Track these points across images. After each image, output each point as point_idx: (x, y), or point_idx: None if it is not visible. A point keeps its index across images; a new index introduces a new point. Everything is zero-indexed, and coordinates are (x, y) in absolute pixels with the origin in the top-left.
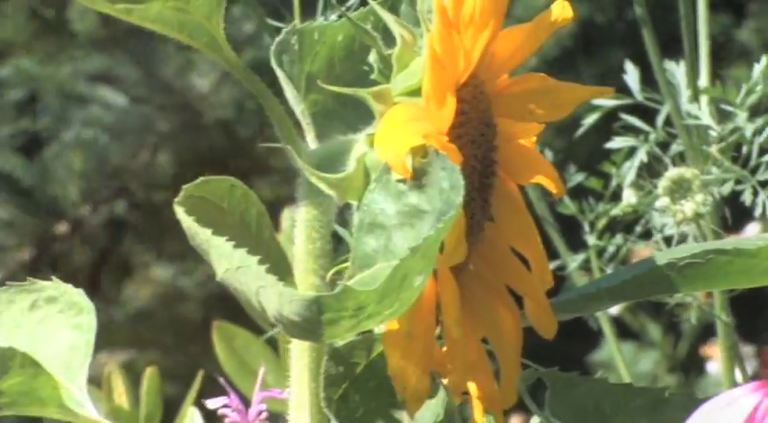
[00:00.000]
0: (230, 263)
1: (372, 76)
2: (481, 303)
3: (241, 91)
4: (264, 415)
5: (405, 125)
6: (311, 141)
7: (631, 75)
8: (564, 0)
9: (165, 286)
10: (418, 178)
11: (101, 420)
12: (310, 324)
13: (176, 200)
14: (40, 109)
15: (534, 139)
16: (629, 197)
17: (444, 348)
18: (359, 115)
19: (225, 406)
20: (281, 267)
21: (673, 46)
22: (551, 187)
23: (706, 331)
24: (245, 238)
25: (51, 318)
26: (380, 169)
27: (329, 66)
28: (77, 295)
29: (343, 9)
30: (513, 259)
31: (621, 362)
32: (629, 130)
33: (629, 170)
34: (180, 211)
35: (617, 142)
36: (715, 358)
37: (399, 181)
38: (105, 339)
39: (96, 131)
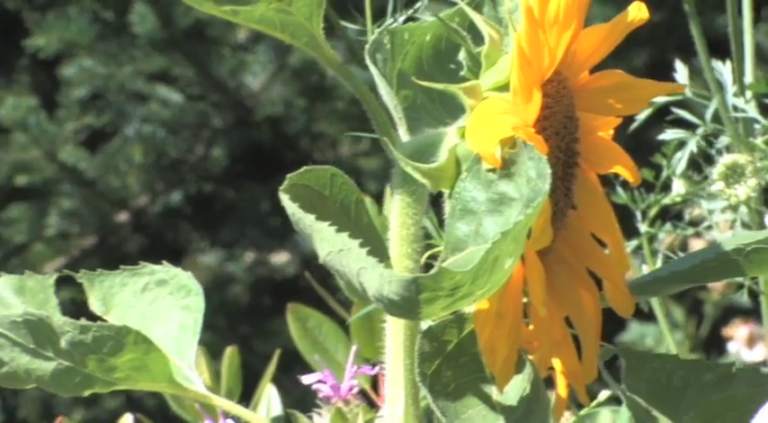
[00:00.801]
0: (332, 246)
1: (461, 73)
2: (564, 285)
3: (289, 90)
4: (356, 390)
5: (494, 118)
6: (403, 134)
7: (681, 72)
8: (640, 1)
9: (214, 272)
10: (507, 168)
11: (209, 395)
12: (409, 303)
13: (281, 188)
14: (102, 106)
15: (611, 131)
16: (679, 187)
17: (531, 327)
18: (446, 109)
19: (319, 381)
20: (378, 251)
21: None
22: (628, 176)
23: (726, 314)
24: (344, 224)
25: (162, 299)
26: (471, 159)
27: (418, 64)
28: (186, 278)
29: (422, 10)
30: (593, 244)
31: (670, 341)
32: (677, 124)
33: (680, 161)
34: (285, 198)
35: (669, 134)
36: (735, 339)
37: (489, 170)
38: None
39: (155, 127)
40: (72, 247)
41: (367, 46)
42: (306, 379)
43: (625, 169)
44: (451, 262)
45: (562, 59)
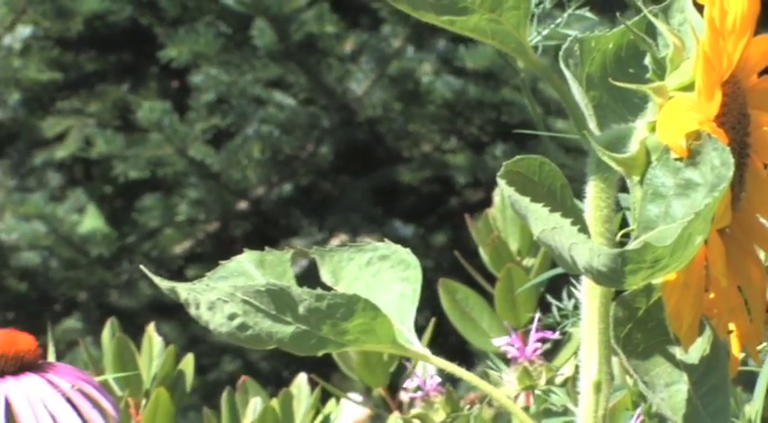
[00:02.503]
0: (546, 224)
1: (648, 75)
2: (736, 259)
3: (387, 95)
4: (539, 352)
5: (681, 114)
6: (594, 128)
7: None
8: None
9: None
10: (692, 157)
11: (428, 355)
12: (615, 274)
13: (498, 174)
14: (226, 109)
15: None
16: None
17: (711, 295)
18: (627, 108)
19: (508, 344)
20: (583, 230)
21: None
22: None
23: None
24: (553, 205)
25: (384, 272)
26: (660, 150)
27: (602, 68)
28: (405, 254)
29: (563, 24)
30: (760, 224)
31: None
32: None
33: None
34: (501, 183)
35: None
36: None
37: (677, 159)
38: None
39: (271, 127)
40: (198, 231)
41: (561, 52)
42: (497, 342)
43: None
44: (645, 239)
45: (737, 63)
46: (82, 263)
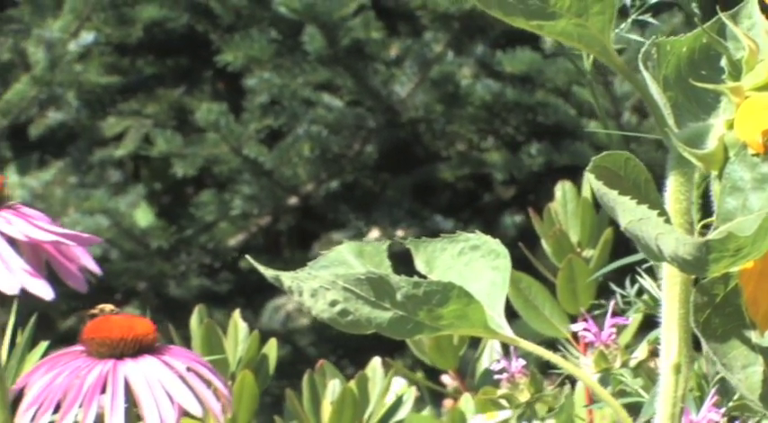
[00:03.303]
0: (633, 216)
1: (723, 76)
2: None
3: (429, 97)
4: (613, 337)
5: (758, 113)
6: (672, 126)
7: None
8: None
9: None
10: None
11: (517, 339)
12: (699, 262)
13: (587, 168)
14: (279, 110)
15: None
16: None
17: None
18: (700, 107)
19: (585, 329)
20: (667, 221)
21: None
22: None
23: None
24: (638, 198)
25: (475, 261)
26: (738, 146)
27: (677, 70)
28: (495, 244)
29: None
30: None
31: None
32: None
33: None
34: (591, 177)
35: None
36: None
37: (754, 155)
38: None
39: (320, 128)
40: (251, 224)
41: (640, 55)
42: (574, 327)
43: None
44: (726, 229)
45: None
46: (141, 254)
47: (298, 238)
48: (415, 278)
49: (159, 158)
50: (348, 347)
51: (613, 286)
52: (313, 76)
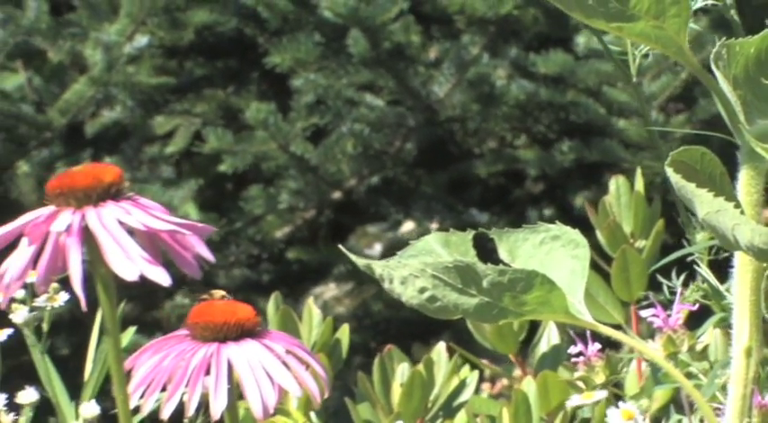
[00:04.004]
0: (711, 207)
1: None
2: None
3: (465, 97)
4: (680, 322)
5: None
6: (744, 123)
7: None
8: None
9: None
10: None
11: (596, 324)
12: None
13: (666, 162)
14: (324, 109)
15: None
16: None
17: None
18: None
19: (653, 315)
20: (742, 212)
21: None
22: None
23: None
24: (714, 191)
25: (555, 251)
26: None
27: (745, 70)
28: (575, 234)
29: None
30: None
31: None
32: None
33: None
34: (669, 171)
35: None
36: None
37: None
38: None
39: (363, 126)
40: (297, 217)
41: (711, 56)
42: (643, 313)
43: None
44: None
45: None
46: None
47: (335, 231)
48: (501, 266)
49: (202, 155)
50: (387, 334)
51: (660, 278)
52: (356, 77)
